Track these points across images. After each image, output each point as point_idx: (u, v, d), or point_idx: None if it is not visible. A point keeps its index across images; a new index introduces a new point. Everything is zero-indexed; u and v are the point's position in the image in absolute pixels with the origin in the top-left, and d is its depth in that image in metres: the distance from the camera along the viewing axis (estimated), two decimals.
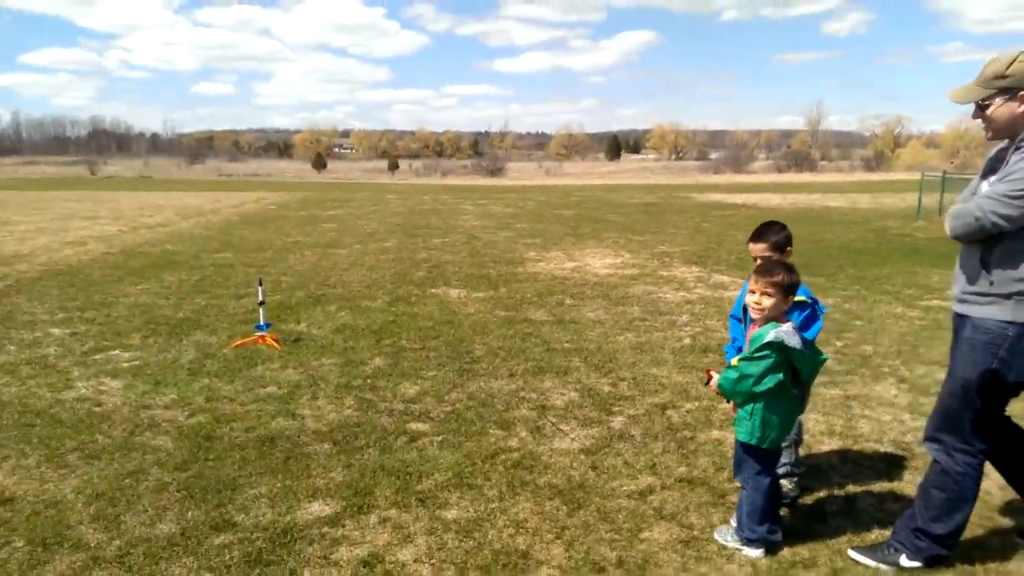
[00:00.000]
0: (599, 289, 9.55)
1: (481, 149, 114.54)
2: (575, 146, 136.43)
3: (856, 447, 4.43)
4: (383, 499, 3.74)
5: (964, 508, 3.02)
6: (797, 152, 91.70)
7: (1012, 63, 2.72)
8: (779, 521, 3.39)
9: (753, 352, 3.11)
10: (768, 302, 3.14)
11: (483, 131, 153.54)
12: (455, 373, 5.87)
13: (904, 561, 3.07)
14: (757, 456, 3.23)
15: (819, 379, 5.65)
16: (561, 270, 11.22)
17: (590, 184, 49.55)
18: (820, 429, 4.70)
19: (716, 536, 3.36)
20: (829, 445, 4.46)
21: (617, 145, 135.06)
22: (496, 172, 69.80)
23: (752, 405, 3.15)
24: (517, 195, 33.21)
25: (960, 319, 2.99)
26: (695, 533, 3.40)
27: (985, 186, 2.86)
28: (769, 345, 3.05)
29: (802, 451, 4.04)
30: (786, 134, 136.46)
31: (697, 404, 5.14)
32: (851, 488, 3.87)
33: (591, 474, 4.05)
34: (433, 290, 9.50)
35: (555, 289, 9.55)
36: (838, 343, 6.74)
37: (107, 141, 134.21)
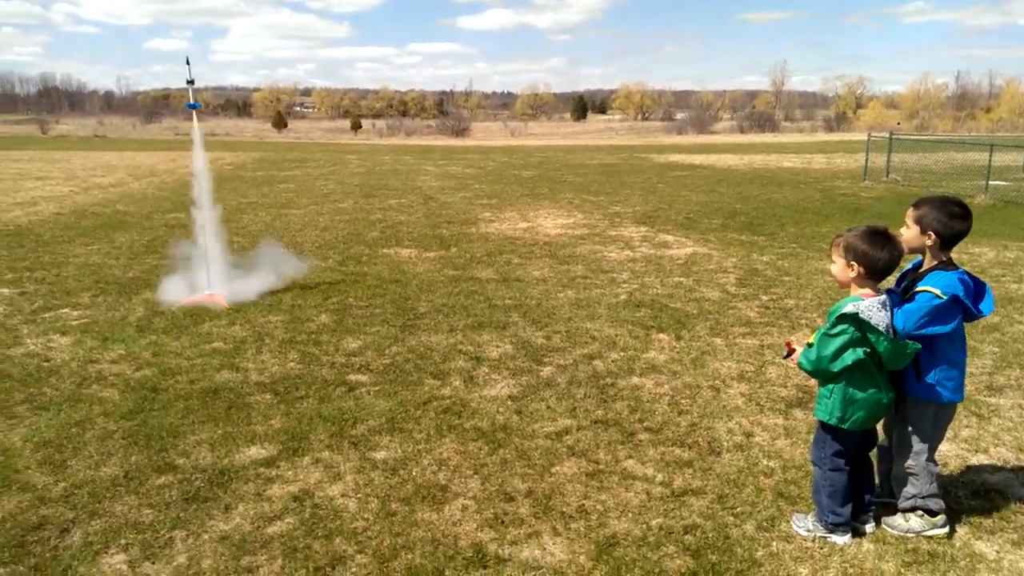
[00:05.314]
0: (547, 249, 9.83)
1: (446, 109, 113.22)
2: (541, 106, 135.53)
3: (762, 390, 4.81)
4: (318, 443, 4.01)
5: None
6: (760, 113, 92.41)
7: None
8: (868, 510, 3.22)
9: (830, 327, 2.91)
10: (833, 268, 3.02)
11: (448, 90, 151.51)
12: (398, 329, 6.13)
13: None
14: (837, 436, 3.03)
15: (739, 329, 6.07)
16: (513, 230, 11.46)
17: (553, 145, 49.53)
18: (731, 374, 5.08)
19: (794, 526, 3.17)
20: (737, 388, 4.84)
21: (583, 105, 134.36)
22: (461, 132, 69.17)
23: (833, 384, 2.96)
24: (479, 155, 33.17)
25: None
26: (601, 467, 3.74)
27: None
28: (844, 318, 2.84)
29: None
30: (751, 94, 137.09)
31: (622, 354, 5.48)
32: (746, 424, 4.25)
33: (515, 418, 4.36)
34: (384, 250, 9.69)
35: (505, 249, 9.80)
36: (764, 297, 7.14)
37: (58, 99, 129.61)
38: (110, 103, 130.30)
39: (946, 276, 2.94)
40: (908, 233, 3.04)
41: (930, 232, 2.97)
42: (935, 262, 3.02)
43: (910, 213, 3.06)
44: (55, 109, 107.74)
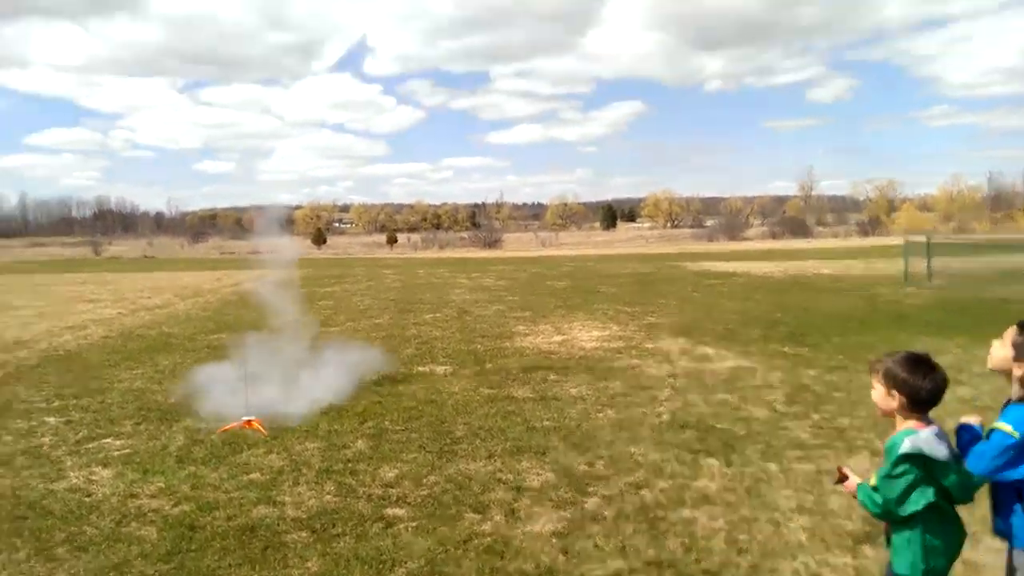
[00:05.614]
0: (584, 363, 9.71)
1: (478, 221, 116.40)
2: (571, 216, 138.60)
3: (825, 523, 4.52)
4: None
5: None
6: (792, 218, 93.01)
7: None
8: None
9: (891, 467, 2.67)
10: (874, 395, 2.81)
11: (480, 203, 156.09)
12: (435, 455, 5.99)
13: None
14: None
15: (792, 453, 5.81)
16: (548, 344, 11.40)
17: (584, 254, 50.16)
18: (790, 505, 4.80)
19: None
20: (799, 521, 4.56)
21: (612, 214, 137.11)
22: (493, 244, 70.75)
23: (907, 531, 2.71)
24: (512, 267, 33.63)
25: None
26: None
27: None
28: (906, 458, 2.62)
29: None
30: (780, 200, 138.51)
31: (671, 482, 5.25)
32: (813, 565, 3.97)
33: (561, 558, 4.15)
34: (420, 368, 9.67)
35: (541, 364, 9.71)
36: (815, 416, 6.87)
37: (112, 221, 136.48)
38: (160, 224, 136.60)
39: (1022, 410, 2.71)
40: (999, 352, 2.80)
41: (1022, 361, 2.71)
42: (1022, 392, 2.75)
43: (1012, 332, 2.78)
44: (109, 231, 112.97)
